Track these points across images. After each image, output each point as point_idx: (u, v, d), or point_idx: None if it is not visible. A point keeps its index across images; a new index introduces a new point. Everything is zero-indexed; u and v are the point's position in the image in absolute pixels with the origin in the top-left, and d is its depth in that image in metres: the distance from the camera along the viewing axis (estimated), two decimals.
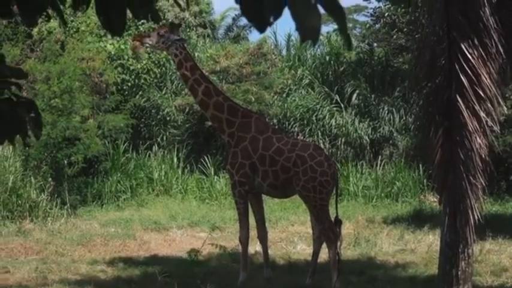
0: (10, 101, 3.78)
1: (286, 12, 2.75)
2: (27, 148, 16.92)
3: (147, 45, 11.67)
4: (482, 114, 8.63)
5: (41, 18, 3.81)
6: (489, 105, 8.70)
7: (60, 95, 17.16)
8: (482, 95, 8.59)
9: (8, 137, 3.84)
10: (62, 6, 3.68)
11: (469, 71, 8.51)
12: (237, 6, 2.81)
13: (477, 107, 8.59)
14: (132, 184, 19.32)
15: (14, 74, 3.93)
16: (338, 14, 2.78)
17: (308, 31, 2.73)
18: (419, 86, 9.99)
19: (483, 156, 8.71)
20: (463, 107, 8.57)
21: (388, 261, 13.20)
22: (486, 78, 8.54)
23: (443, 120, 8.93)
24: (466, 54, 8.51)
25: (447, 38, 8.77)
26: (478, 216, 8.68)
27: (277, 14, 2.73)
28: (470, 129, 8.57)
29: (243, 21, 33.41)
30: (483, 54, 8.53)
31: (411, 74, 14.37)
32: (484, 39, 8.54)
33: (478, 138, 8.62)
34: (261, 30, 2.78)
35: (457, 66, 8.59)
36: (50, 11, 3.69)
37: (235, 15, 32.28)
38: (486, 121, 8.67)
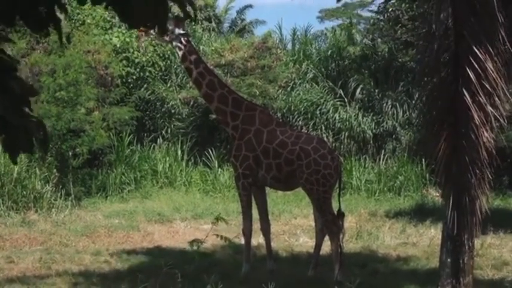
0: (20, 119, 3.63)
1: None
2: None
3: (152, 36, 11.70)
4: (488, 108, 8.66)
5: (42, 33, 3.71)
6: (496, 99, 8.74)
7: (65, 87, 17.21)
8: (489, 88, 8.61)
9: (13, 152, 3.76)
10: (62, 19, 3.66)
11: (475, 65, 8.52)
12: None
13: (483, 101, 8.62)
14: (136, 176, 19.39)
15: (25, 91, 3.73)
16: None
17: None
18: (424, 81, 10.03)
19: (489, 149, 8.74)
20: (469, 100, 8.59)
21: (390, 254, 13.26)
22: (493, 72, 8.57)
23: (448, 114, 8.96)
24: (473, 49, 8.52)
25: (454, 32, 8.80)
26: (484, 207, 8.72)
27: None
28: (477, 122, 8.58)
29: (249, 15, 33.50)
30: (490, 48, 8.55)
31: (417, 69, 14.38)
32: (491, 34, 8.57)
33: (484, 132, 8.64)
34: None
35: (463, 61, 8.62)
36: (50, 29, 3.61)
37: (239, 8, 32.36)
38: (491, 112, 8.69)
